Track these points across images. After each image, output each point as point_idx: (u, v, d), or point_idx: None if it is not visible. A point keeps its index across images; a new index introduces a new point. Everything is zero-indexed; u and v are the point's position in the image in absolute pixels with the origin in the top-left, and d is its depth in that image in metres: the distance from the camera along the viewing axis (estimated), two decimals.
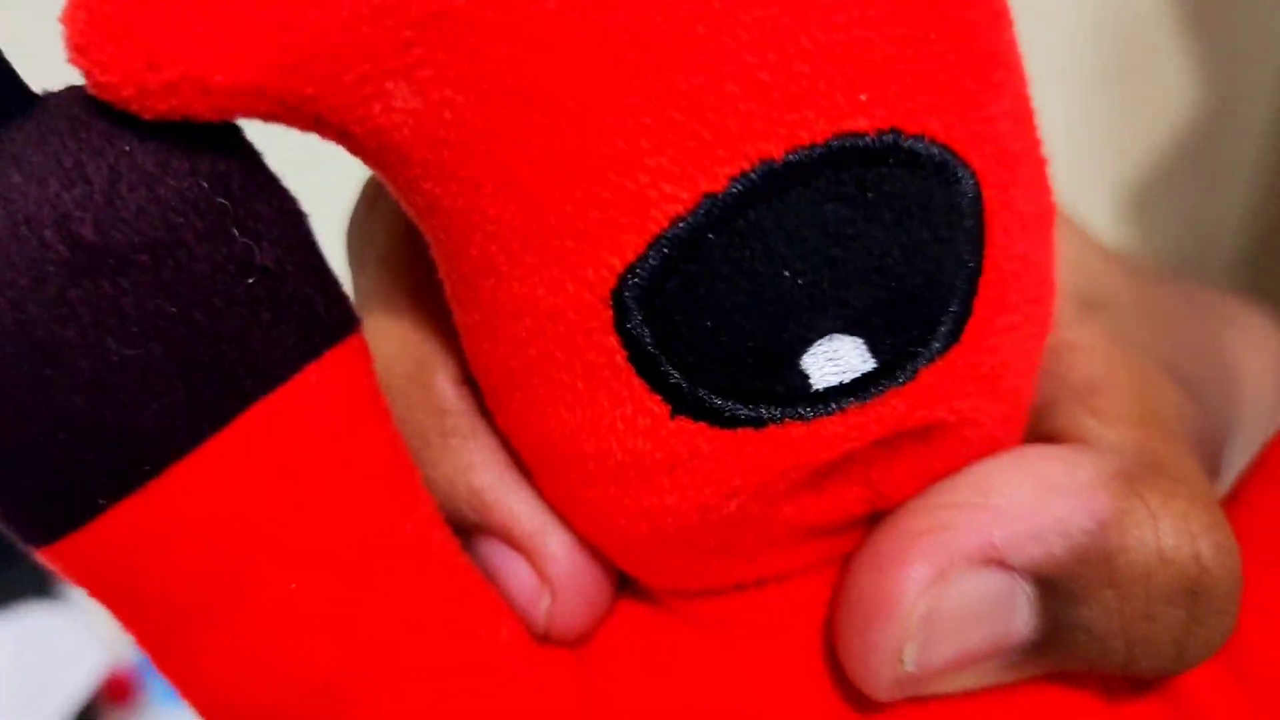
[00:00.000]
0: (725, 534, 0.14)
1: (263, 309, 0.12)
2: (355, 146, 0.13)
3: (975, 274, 0.13)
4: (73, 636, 0.42)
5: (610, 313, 0.12)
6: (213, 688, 0.14)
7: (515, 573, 0.15)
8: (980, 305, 0.13)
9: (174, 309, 0.12)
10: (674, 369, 0.13)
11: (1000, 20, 0.13)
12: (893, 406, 0.13)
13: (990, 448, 0.14)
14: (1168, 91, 0.61)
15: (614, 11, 0.11)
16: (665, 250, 0.12)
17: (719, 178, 0.12)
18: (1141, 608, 0.14)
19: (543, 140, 0.12)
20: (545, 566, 0.15)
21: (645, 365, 0.13)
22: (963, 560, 0.13)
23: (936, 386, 0.13)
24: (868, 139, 0.12)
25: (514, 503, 0.15)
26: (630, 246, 0.12)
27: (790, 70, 0.12)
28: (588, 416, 0.13)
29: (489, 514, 0.15)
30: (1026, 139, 0.13)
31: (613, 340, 0.13)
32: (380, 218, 0.16)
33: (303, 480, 0.13)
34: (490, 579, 0.15)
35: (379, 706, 0.14)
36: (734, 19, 0.11)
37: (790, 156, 0.12)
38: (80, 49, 0.11)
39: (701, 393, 0.13)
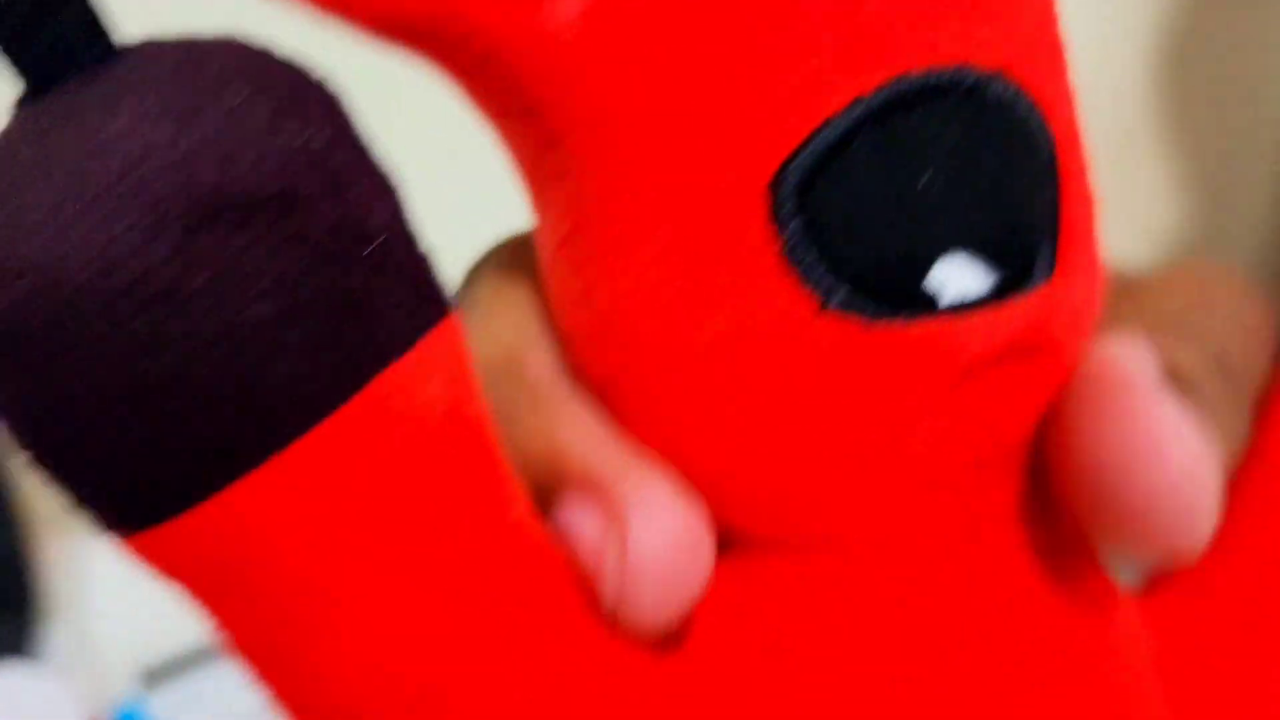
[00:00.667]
0: (856, 458, 0.14)
1: (379, 275, 0.12)
2: (501, 75, 0.13)
3: (1059, 210, 0.14)
4: (51, 695, 0.41)
5: (767, 205, 0.13)
6: (316, 684, 0.13)
7: (589, 530, 0.13)
8: (1063, 242, 0.14)
9: (301, 265, 0.11)
10: (823, 262, 0.13)
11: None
12: (1009, 320, 0.14)
13: (1063, 387, 0.15)
14: (1151, 210, 0.61)
15: None
16: (819, 146, 0.13)
17: (868, 84, 0.13)
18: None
19: (720, 38, 0.13)
20: (627, 514, 0.13)
21: (796, 257, 0.13)
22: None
23: (1040, 309, 0.14)
24: (985, 74, 0.13)
25: (601, 450, 0.13)
26: (788, 141, 0.13)
27: (930, 5, 0.13)
28: (734, 319, 0.13)
29: (569, 462, 0.13)
30: (1076, 111, 0.15)
31: (767, 232, 0.13)
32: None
33: (419, 459, 0.12)
34: (567, 545, 0.14)
35: (480, 693, 0.13)
36: None
37: (926, 74, 0.13)
38: None
39: (846, 288, 0.13)
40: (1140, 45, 0.60)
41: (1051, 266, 0.14)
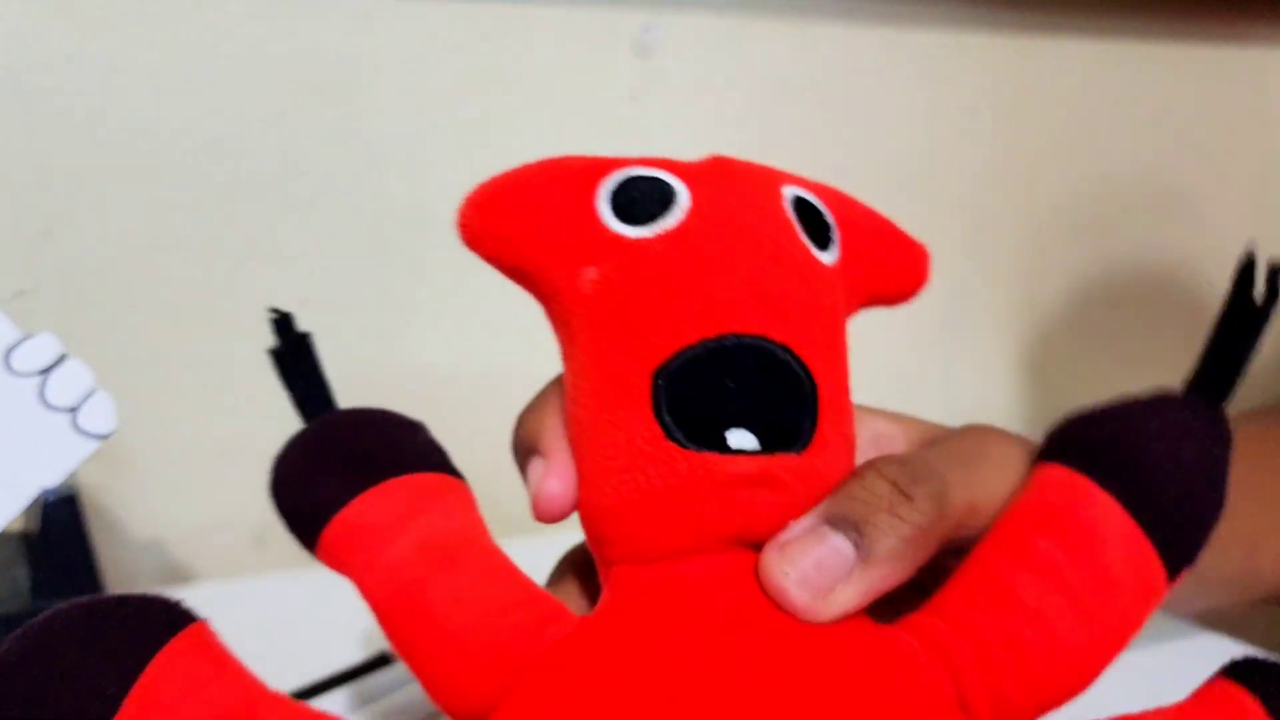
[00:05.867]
0: (675, 508, 0.25)
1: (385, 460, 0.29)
2: (553, 300, 0.28)
3: (811, 430, 0.26)
4: None
5: (650, 381, 0.25)
6: (441, 631, 0.25)
7: (537, 468, 0.27)
8: (813, 442, 0.26)
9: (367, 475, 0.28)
10: (670, 416, 0.25)
11: (840, 314, 0.28)
12: (762, 464, 0.25)
13: (805, 503, 0.26)
14: None
15: (689, 260, 0.27)
16: (683, 361, 0.25)
17: (713, 333, 0.25)
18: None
19: (647, 300, 0.26)
20: (551, 464, 0.27)
21: (658, 410, 0.25)
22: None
23: (781, 464, 0.25)
24: (774, 342, 0.26)
25: (550, 435, 0.28)
26: (669, 351, 0.26)
27: (751, 303, 0.27)
28: (624, 432, 0.25)
29: (538, 440, 0.28)
30: (843, 377, 0.28)
31: (647, 395, 0.25)
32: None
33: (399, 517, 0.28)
34: (527, 472, 0.28)
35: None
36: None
37: (743, 337, 0.26)
38: (463, 225, 0.28)
39: (677, 431, 0.25)
40: None
41: (802, 448, 0.26)
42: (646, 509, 0.25)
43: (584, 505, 0.27)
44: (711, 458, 0.25)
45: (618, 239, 0.26)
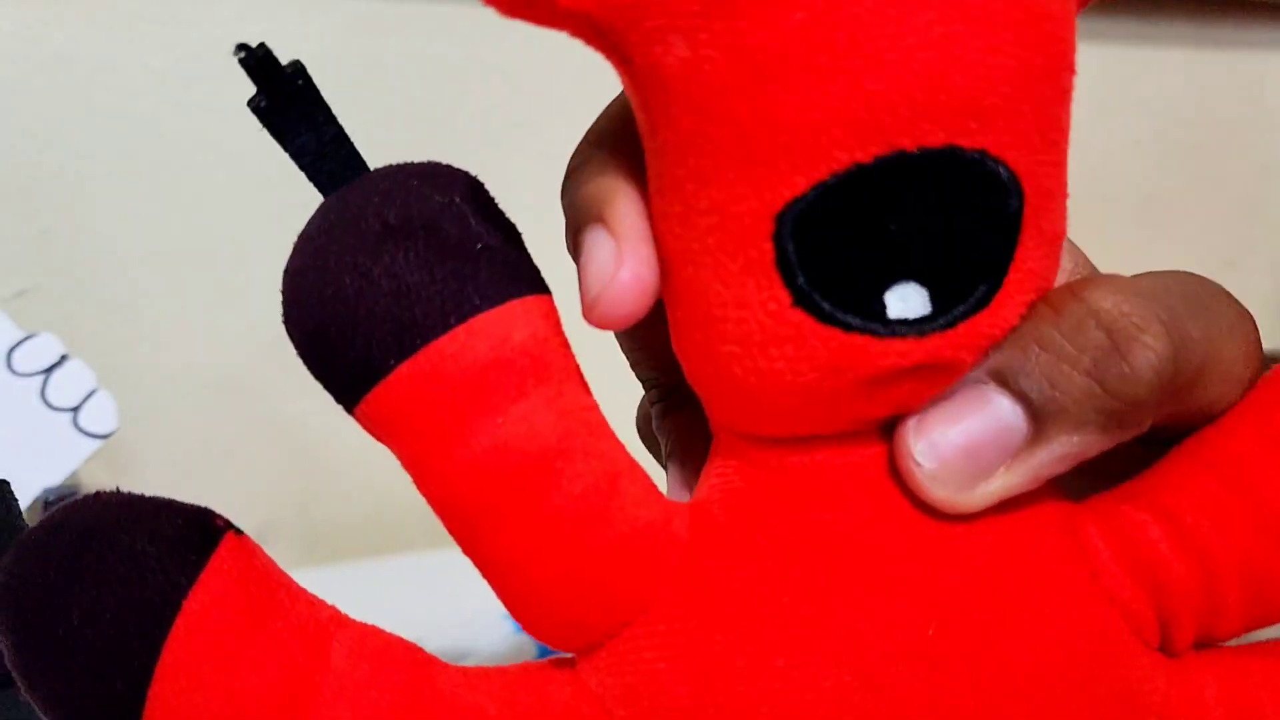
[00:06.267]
0: (807, 399, 0.19)
1: (487, 265, 0.19)
2: (631, 74, 0.18)
3: (1005, 267, 0.18)
4: None
5: (772, 225, 0.18)
6: (445, 489, 0.19)
7: (605, 247, 0.19)
8: (1002, 291, 0.18)
9: (438, 256, 0.19)
10: (803, 273, 0.18)
11: (1069, 73, 0.18)
12: (934, 345, 0.18)
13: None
14: None
15: (833, 29, 0.17)
16: (822, 193, 0.17)
17: (869, 154, 0.17)
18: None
19: (765, 99, 0.17)
20: (626, 249, 0.19)
21: (784, 266, 0.18)
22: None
23: (961, 338, 0.18)
24: (968, 153, 0.17)
25: (625, 208, 0.19)
26: (800, 184, 0.17)
27: (926, 102, 0.17)
28: (735, 293, 0.18)
29: (606, 208, 0.19)
30: (1061, 179, 0.19)
31: (768, 244, 0.18)
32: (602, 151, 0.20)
33: (509, 361, 0.19)
34: (581, 250, 0.19)
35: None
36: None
37: (919, 150, 0.17)
38: None
39: (815, 295, 0.18)
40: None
41: (984, 303, 0.18)
42: (769, 395, 0.19)
43: (679, 350, 0.20)
44: (860, 341, 0.18)
45: None
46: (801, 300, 0.18)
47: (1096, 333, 0.18)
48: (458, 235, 0.19)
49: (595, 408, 0.20)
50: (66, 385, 0.44)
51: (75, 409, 0.43)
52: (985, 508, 0.19)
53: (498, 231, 0.20)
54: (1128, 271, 0.20)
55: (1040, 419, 0.18)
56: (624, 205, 0.19)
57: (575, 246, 0.20)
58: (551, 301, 0.20)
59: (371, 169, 0.21)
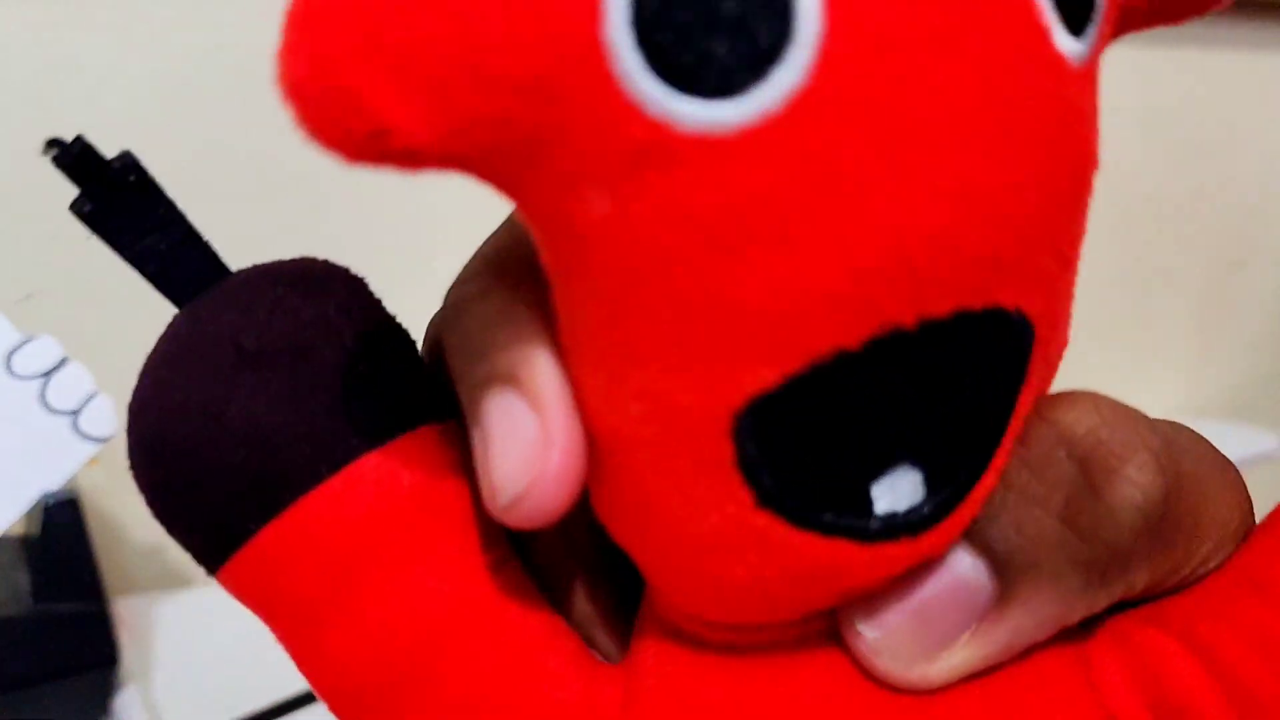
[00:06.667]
0: (773, 605, 0.16)
1: (367, 394, 0.16)
2: (531, 215, 0.13)
3: (1009, 417, 0.15)
4: None
5: (731, 424, 0.14)
6: (329, 672, 0.17)
7: (526, 425, 0.14)
8: (1000, 446, 0.15)
9: (307, 388, 0.16)
10: (769, 472, 0.14)
11: (1087, 194, 0.14)
12: (929, 544, 0.15)
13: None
14: None
15: (811, 188, 0.12)
16: (792, 386, 0.13)
17: (857, 338, 0.13)
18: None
19: (720, 277, 0.13)
20: (554, 430, 0.14)
21: (747, 465, 0.14)
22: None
23: (957, 522, 0.15)
24: (978, 313, 0.13)
25: (546, 371, 0.15)
26: (769, 378, 0.13)
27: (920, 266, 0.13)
28: (683, 493, 0.14)
29: (521, 368, 0.15)
30: (1073, 279, 0.15)
31: (726, 442, 0.14)
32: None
33: (399, 514, 0.16)
34: (491, 424, 0.15)
35: (436, 698, 0.17)
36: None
37: (921, 325, 0.13)
38: (294, 90, 0.12)
39: (784, 494, 0.14)
40: None
41: (985, 466, 0.15)
42: (724, 596, 0.16)
43: (605, 517, 0.16)
44: (842, 547, 0.14)
45: (658, 130, 0.12)
46: (769, 501, 0.14)
47: (1069, 465, 0.15)
48: (331, 360, 0.16)
49: (506, 560, 0.17)
50: (66, 388, 0.44)
51: (75, 412, 0.43)
52: (946, 684, 0.15)
53: (383, 347, 0.16)
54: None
55: (1007, 574, 0.15)
56: (543, 366, 0.14)
57: (477, 411, 0.15)
58: (454, 427, 0.17)
59: (232, 271, 0.17)
